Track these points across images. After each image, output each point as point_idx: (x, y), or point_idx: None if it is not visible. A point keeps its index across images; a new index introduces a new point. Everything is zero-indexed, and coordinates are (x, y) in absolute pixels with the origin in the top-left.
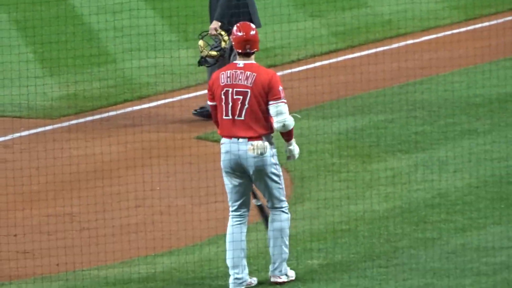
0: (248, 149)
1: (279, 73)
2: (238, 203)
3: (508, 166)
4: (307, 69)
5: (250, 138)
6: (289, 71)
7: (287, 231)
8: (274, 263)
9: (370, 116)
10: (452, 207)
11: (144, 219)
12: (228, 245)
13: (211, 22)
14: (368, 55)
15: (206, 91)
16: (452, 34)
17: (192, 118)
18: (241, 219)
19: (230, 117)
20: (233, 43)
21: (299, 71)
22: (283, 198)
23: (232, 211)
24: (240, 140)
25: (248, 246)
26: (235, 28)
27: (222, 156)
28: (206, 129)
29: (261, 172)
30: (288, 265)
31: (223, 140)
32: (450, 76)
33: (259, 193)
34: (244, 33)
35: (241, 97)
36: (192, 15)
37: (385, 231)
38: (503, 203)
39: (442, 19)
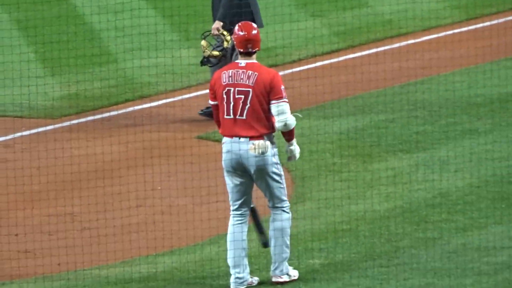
0: (249, 148)
1: (280, 73)
2: (239, 202)
3: (509, 166)
4: (308, 69)
5: (252, 138)
6: (290, 70)
7: (288, 231)
8: (274, 262)
9: (371, 116)
10: (453, 207)
11: (145, 219)
12: (229, 245)
13: (213, 22)
14: (369, 54)
15: (207, 91)
16: (453, 33)
17: (193, 118)
18: (242, 218)
19: (232, 116)
20: (234, 42)
21: (300, 71)
22: (284, 198)
23: (233, 210)
24: (242, 139)
25: (249, 245)
26: (236, 27)
27: (224, 156)
28: (207, 128)
29: (262, 171)
30: (290, 265)
31: (225, 139)
32: (451, 76)
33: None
34: (246, 32)
35: (242, 96)
36: (193, 14)
37: (386, 230)
38: (504, 202)
39: (443, 19)
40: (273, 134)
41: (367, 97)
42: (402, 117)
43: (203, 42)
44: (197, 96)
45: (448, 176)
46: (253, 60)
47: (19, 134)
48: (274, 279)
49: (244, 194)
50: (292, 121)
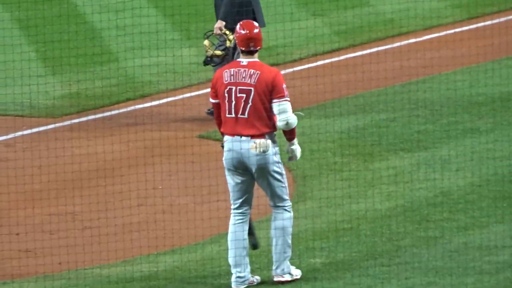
0: (250, 147)
1: (281, 72)
2: (240, 201)
3: (510, 165)
4: (309, 68)
5: (253, 136)
6: (291, 70)
7: (290, 230)
8: (276, 262)
9: (372, 115)
10: (455, 206)
11: (146, 218)
12: (229, 244)
13: (216, 21)
14: (370, 54)
15: (208, 90)
16: (455, 32)
17: (194, 117)
18: (243, 217)
19: (233, 115)
20: (236, 41)
21: (301, 70)
22: (286, 197)
23: (234, 209)
24: (243, 138)
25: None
26: (238, 26)
27: (225, 154)
28: (208, 127)
29: (264, 170)
30: (291, 264)
31: (226, 137)
32: (453, 75)
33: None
34: (248, 31)
35: (244, 95)
36: (195, 13)
37: (387, 230)
38: (506, 201)
39: (445, 18)
40: (275, 133)
41: (368, 96)
42: (403, 116)
43: (205, 42)
44: (198, 95)
45: (449, 175)
46: (255, 58)
47: (20, 133)
48: (276, 279)
49: (245, 193)
50: (293, 120)
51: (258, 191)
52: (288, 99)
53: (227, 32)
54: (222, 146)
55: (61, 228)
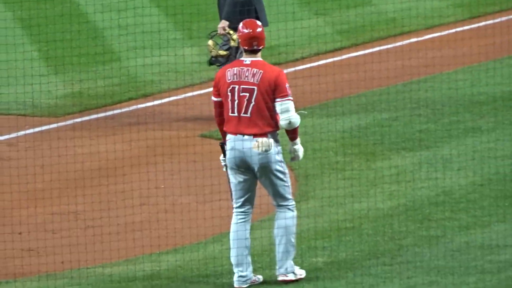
0: (253, 146)
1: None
2: (242, 199)
3: None
4: (311, 67)
5: (256, 135)
6: (293, 69)
7: (293, 229)
8: (279, 261)
9: (374, 114)
10: (456, 205)
11: (149, 217)
12: (232, 243)
13: (220, 21)
14: (372, 53)
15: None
16: (456, 32)
17: (196, 116)
18: (245, 216)
19: (236, 114)
20: (239, 40)
21: (303, 69)
22: (289, 196)
23: (236, 207)
24: (245, 137)
25: (252, 243)
26: (241, 25)
27: (227, 153)
28: (211, 127)
29: (266, 169)
30: (294, 264)
31: (229, 136)
32: (454, 74)
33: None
34: (251, 30)
35: (247, 94)
36: (197, 13)
37: (389, 229)
38: (507, 201)
39: (446, 17)
40: (277, 132)
41: (370, 96)
42: (405, 115)
43: (209, 42)
44: (200, 95)
45: (451, 174)
46: (258, 57)
47: (22, 132)
48: (280, 278)
49: (248, 192)
50: (296, 119)
51: (260, 190)
52: (291, 98)
53: (231, 32)
54: (220, 145)
55: (64, 227)
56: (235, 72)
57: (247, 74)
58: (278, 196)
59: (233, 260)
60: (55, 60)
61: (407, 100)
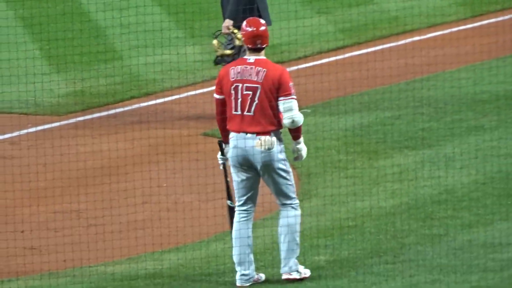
0: (255, 144)
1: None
2: (244, 198)
3: None
4: (314, 66)
5: (258, 134)
6: (295, 67)
7: (297, 228)
8: (283, 259)
9: (377, 112)
10: (459, 204)
11: (151, 216)
12: (234, 241)
13: (223, 21)
14: (374, 51)
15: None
16: (459, 30)
17: (198, 115)
18: (247, 214)
19: (239, 112)
20: (243, 38)
21: (305, 68)
22: (293, 195)
23: (238, 206)
24: (248, 135)
25: (254, 242)
26: (244, 23)
27: (230, 151)
28: (213, 125)
29: (269, 167)
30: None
31: (232, 134)
32: (457, 72)
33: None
34: (255, 28)
35: (250, 92)
36: (199, 11)
37: (392, 227)
38: (510, 199)
39: (449, 16)
40: (281, 131)
41: (372, 94)
42: (407, 114)
43: (214, 42)
44: (202, 93)
45: (453, 172)
46: (262, 56)
47: (25, 131)
48: (284, 276)
49: (250, 190)
50: (299, 118)
51: (262, 189)
52: (295, 97)
53: (235, 31)
54: (219, 143)
55: (66, 225)
56: (238, 70)
57: (250, 73)
58: (282, 194)
59: (235, 258)
60: (57, 59)
61: (409, 98)
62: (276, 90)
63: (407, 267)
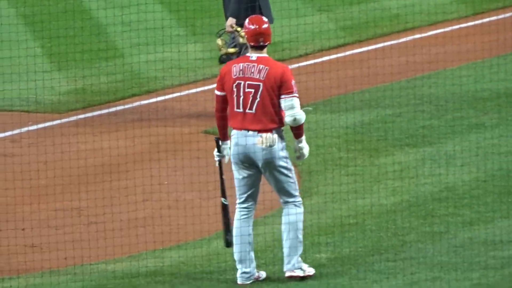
0: (257, 141)
1: None
2: (245, 195)
3: None
4: (315, 64)
5: (260, 131)
6: (297, 65)
7: (299, 225)
8: (286, 257)
9: (378, 110)
10: (460, 201)
11: (152, 213)
12: (235, 239)
13: (225, 20)
14: (376, 49)
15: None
16: (460, 28)
17: (199, 113)
18: (248, 212)
19: (241, 110)
20: (245, 36)
21: (306, 65)
22: (295, 193)
23: (239, 203)
24: (250, 132)
25: (255, 240)
26: (247, 21)
27: (232, 148)
28: (214, 123)
29: (270, 165)
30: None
31: (233, 132)
32: (458, 70)
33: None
34: (257, 26)
35: (253, 90)
36: (200, 9)
37: (393, 225)
38: (511, 197)
39: (450, 13)
40: (282, 128)
41: (374, 92)
42: (408, 111)
43: (218, 41)
44: (203, 91)
45: (454, 170)
46: (264, 54)
47: (26, 128)
48: (287, 274)
49: (251, 187)
50: (301, 116)
51: (263, 186)
52: (297, 95)
53: (239, 29)
54: (216, 140)
55: (67, 223)
56: (241, 68)
57: (253, 70)
58: (284, 192)
59: (236, 256)
60: (58, 57)
61: (410, 96)
62: (278, 88)
63: (408, 265)
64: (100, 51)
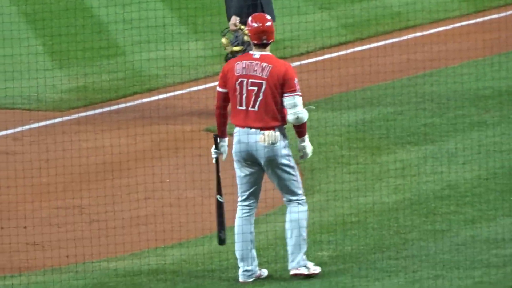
0: (259, 139)
1: None
2: (247, 193)
3: None
4: (316, 61)
5: (263, 129)
6: (298, 63)
7: (304, 223)
8: (291, 255)
9: (379, 108)
10: (462, 199)
11: (154, 211)
12: (236, 237)
13: (228, 19)
14: (377, 47)
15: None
16: (461, 26)
17: (201, 110)
18: (249, 210)
19: (244, 107)
20: (249, 34)
21: (308, 63)
22: (299, 191)
23: (241, 201)
24: (252, 130)
25: (258, 237)
26: (250, 19)
27: (234, 146)
28: (215, 121)
29: (272, 162)
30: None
31: (236, 129)
32: (459, 68)
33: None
34: (260, 24)
35: (255, 88)
36: (201, 7)
37: (395, 223)
38: None
39: (451, 11)
40: (285, 126)
41: (375, 90)
42: (410, 109)
43: (223, 40)
44: (205, 89)
45: (456, 168)
46: (267, 52)
47: (27, 126)
48: (292, 272)
49: (253, 185)
50: (304, 115)
51: (265, 185)
52: (300, 93)
53: (242, 27)
54: (214, 137)
55: (69, 221)
56: (244, 65)
57: (256, 68)
58: (287, 190)
59: (237, 254)
60: (59, 55)
61: (412, 94)
62: (281, 86)
63: (410, 263)
64: (102, 49)
